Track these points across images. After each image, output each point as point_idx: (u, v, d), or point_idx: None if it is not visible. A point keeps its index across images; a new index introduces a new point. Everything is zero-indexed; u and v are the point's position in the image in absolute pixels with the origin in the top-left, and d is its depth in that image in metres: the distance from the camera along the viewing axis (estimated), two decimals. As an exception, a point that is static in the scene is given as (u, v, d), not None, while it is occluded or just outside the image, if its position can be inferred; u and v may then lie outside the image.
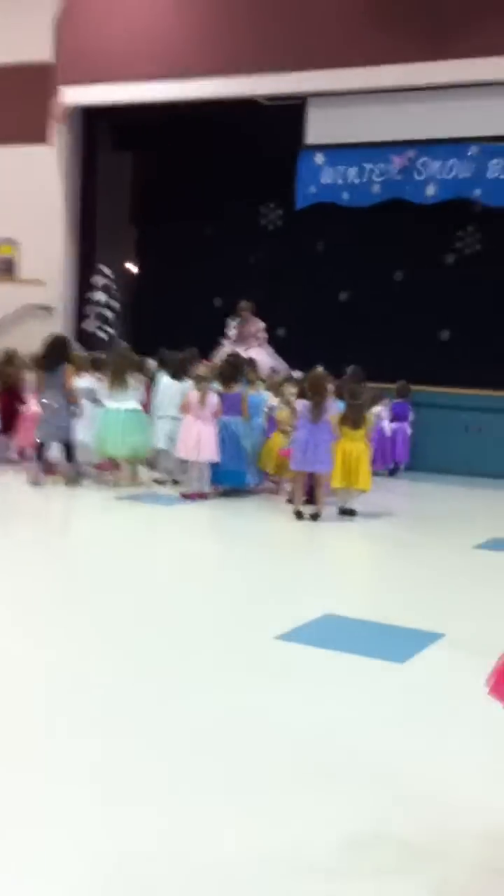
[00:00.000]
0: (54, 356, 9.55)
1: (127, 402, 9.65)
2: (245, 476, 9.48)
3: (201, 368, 9.66)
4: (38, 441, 9.56)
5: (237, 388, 9.44)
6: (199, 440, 9.12)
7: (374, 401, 11.43)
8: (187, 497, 9.17)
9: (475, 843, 3.10)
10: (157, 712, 3.99)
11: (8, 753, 3.53)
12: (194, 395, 9.21)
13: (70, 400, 9.49)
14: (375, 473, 11.44)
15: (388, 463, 11.74)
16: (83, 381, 10.01)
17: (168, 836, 2.97)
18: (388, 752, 3.75)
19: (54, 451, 9.82)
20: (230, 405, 9.34)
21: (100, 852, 2.88)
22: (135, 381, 9.79)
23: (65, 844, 2.91)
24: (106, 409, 9.63)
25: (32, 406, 10.09)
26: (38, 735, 3.72)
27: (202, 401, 9.13)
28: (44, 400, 9.48)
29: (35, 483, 9.39)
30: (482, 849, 3.06)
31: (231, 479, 9.49)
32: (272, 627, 5.19)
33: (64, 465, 9.70)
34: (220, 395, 9.35)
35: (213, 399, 9.19)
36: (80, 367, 10.10)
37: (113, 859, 2.85)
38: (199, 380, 9.26)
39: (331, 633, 5.23)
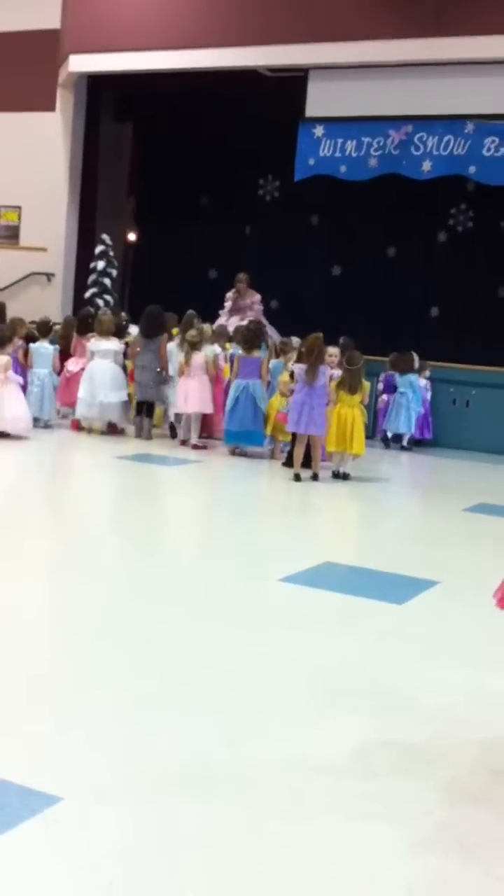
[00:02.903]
0: (154, 325, 10.60)
1: None
2: (261, 437, 9.90)
3: (190, 332, 10.30)
4: (138, 400, 10.60)
5: (257, 353, 9.92)
6: (186, 395, 10.15)
7: (422, 369, 11.82)
8: (184, 443, 10.25)
9: (474, 748, 3.42)
10: (173, 643, 4.29)
11: (52, 677, 3.84)
12: (180, 356, 10.28)
13: (161, 366, 10.52)
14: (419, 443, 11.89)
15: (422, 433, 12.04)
16: (109, 344, 10.55)
17: (194, 742, 3.28)
18: (391, 676, 4.07)
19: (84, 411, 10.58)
20: (250, 369, 9.79)
21: (138, 760, 3.19)
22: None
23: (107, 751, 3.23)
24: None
25: (71, 366, 11.04)
26: (73, 666, 4.03)
27: (187, 361, 10.15)
28: (140, 363, 10.53)
29: (146, 438, 10.42)
30: (481, 753, 3.39)
31: (245, 438, 9.92)
32: (275, 572, 5.50)
33: (139, 420, 10.59)
34: (240, 358, 9.91)
35: (198, 359, 10.15)
36: (106, 331, 10.64)
37: (149, 767, 3.16)
38: (185, 343, 10.22)
39: (331, 577, 5.54)
